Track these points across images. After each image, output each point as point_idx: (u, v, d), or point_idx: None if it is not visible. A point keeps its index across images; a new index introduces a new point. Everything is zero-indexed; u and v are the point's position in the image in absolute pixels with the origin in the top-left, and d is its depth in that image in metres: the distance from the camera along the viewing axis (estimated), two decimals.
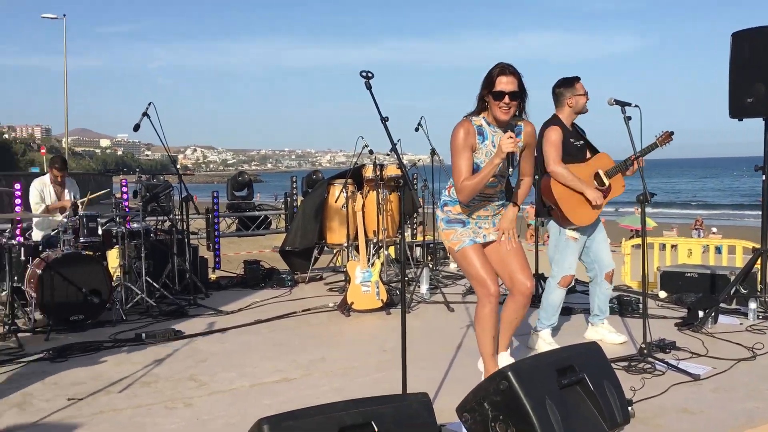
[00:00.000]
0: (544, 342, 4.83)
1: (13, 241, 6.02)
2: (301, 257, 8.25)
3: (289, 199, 10.01)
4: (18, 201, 7.18)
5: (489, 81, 3.60)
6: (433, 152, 7.81)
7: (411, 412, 2.57)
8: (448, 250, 3.96)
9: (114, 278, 6.43)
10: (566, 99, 4.80)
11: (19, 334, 5.32)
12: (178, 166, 8.12)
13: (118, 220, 6.71)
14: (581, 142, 4.89)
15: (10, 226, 6.54)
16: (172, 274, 7.17)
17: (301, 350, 5.06)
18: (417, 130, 7.52)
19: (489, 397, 2.80)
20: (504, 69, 3.57)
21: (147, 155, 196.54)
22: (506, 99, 3.55)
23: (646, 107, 4.41)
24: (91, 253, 6.24)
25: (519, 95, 3.59)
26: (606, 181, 4.82)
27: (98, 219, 6.42)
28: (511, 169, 3.62)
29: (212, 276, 8.33)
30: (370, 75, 3.40)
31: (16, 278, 5.96)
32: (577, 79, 4.83)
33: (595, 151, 4.94)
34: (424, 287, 6.89)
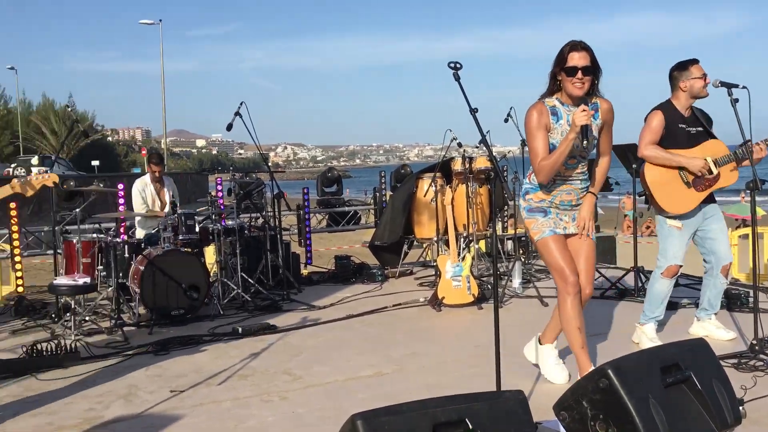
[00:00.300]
0: (647, 338, 4.62)
1: (117, 239, 6.32)
2: (391, 252, 8.26)
3: (378, 194, 10.05)
4: (121, 201, 7.52)
5: (561, 58, 3.56)
6: (523, 143, 7.64)
7: (506, 409, 2.50)
8: (530, 238, 3.97)
9: (211, 274, 6.64)
10: (680, 83, 4.56)
11: (125, 328, 5.58)
12: (270, 164, 8.30)
13: (213, 217, 6.93)
14: (698, 128, 4.58)
15: (114, 224, 6.86)
16: (266, 270, 7.32)
17: (394, 345, 5.06)
18: (506, 121, 7.38)
19: (588, 395, 2.69)
20: (576, 45, 3.53)
21: (240, 154, 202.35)
22: (579, 74, 3.50)
23: (755, 89, 4.14)
24: (189, 249, 6.47)
25: (592, 71, 3.52)
26: (714, 170, 4.53)
27: (195, 217, 6.65)
28: (585, 143, 3.52)
29: (304, 271, 8.47)
30: (458, 66, 3.37)
31: (120, 274, 6.25)
32: (692, 61, 4.56)
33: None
34: (516, 281, 6.76)
